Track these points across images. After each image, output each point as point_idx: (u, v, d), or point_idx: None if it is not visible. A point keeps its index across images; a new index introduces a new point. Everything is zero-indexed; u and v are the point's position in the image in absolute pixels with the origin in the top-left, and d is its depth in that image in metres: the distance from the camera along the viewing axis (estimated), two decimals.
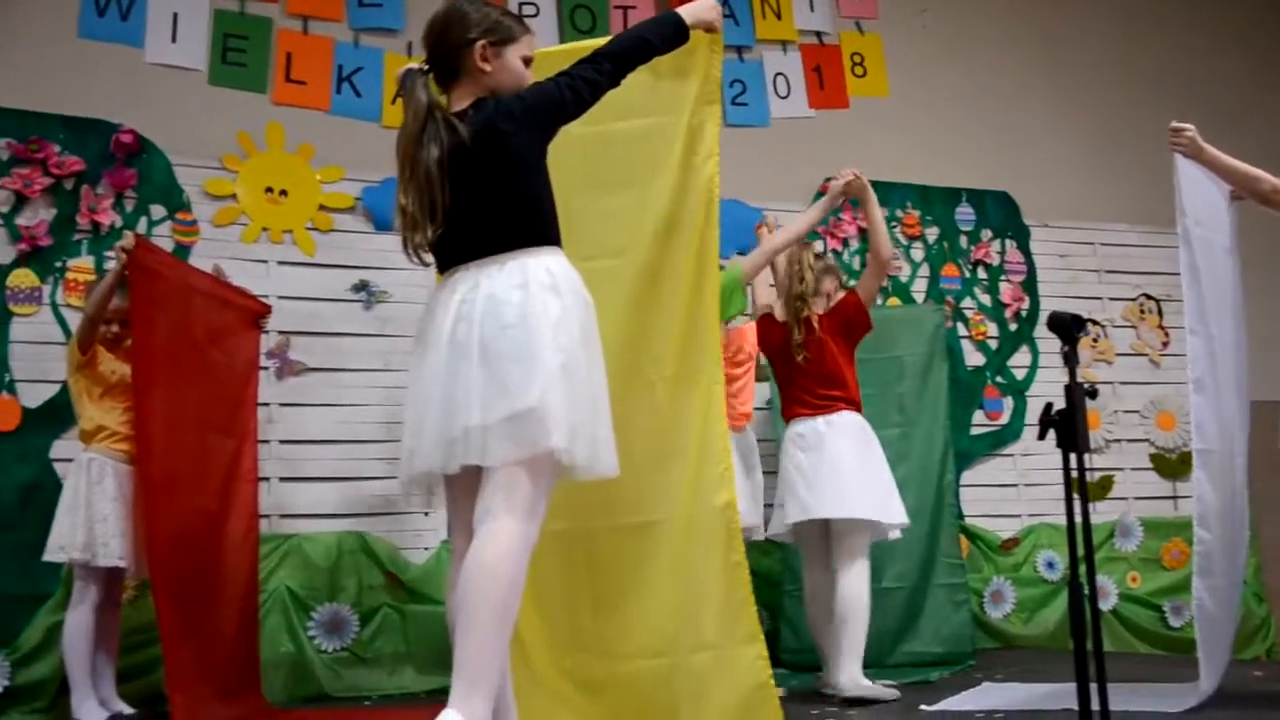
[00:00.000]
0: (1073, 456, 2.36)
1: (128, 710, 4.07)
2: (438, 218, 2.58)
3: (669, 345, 3.22)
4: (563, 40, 5.73)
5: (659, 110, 3.28)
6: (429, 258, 2.66)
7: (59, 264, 4.71)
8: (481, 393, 2.45)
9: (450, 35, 2.69)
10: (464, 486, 2.56)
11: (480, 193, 2.59)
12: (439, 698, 2.44)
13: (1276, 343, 5.90)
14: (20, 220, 4.68)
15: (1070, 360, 2.44)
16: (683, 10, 2.98)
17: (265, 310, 4.67)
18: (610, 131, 3.24)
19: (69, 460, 4.24)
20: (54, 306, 4.66)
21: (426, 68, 2.71)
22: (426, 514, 5.03)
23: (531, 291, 2.52)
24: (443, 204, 2.57)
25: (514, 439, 2.43)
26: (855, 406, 4.20)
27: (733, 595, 3.09)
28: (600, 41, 2.86)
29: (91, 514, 3.96)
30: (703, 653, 3.08)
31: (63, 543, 3.97)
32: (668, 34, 2.92)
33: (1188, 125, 3.71)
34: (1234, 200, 3.88)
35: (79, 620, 3.98)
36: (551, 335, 2.48)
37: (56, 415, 4.48)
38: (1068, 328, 2.48)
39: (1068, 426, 2.34)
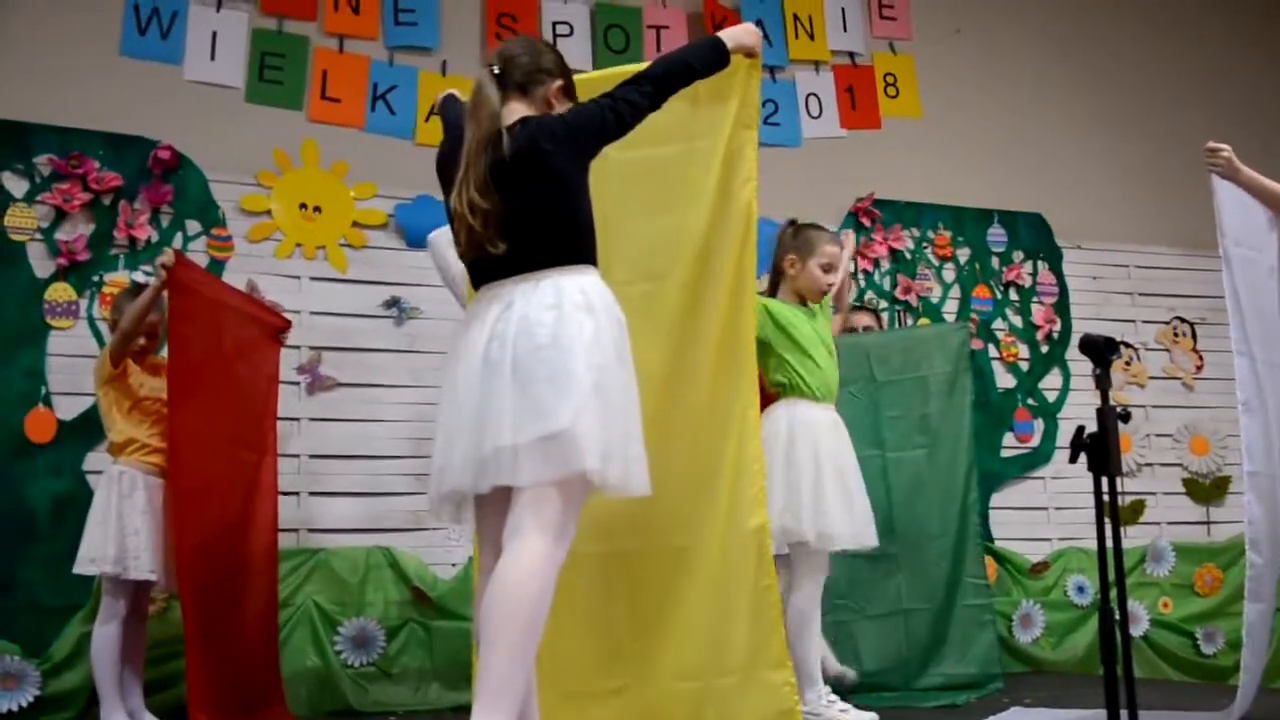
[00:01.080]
0: (1104, 480, 2.35)
1: None
2: (490, 224, 2.58)
3: (706, 369, 3.22)
4: (596, 59, 5.77)
5: (698, 135, 3.29)
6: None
7: (96, 279, 4.77)
8: (514, 413, 2.45)
9: (540, 60, 2.77)
10: (494, 505, 2.56)
11: (518, 209, 2.60)
12: (465, 714, 2.44)
13: None
14: (59, 235, 4.74)
15: (1102, 383, 2.43)
16: (723, 34, 3.03)
17: (286, 325, 4.70)
18: (650, 156, 3.25)
19: (102, 473, 4.28)
20: (90, 321, 4.71)
21: (498, 71, 2.73)
22: (454, 530, 5.04)
23: (565, 312, 2.52)
24: (496, 213, 2.58)
25: (546, 460, 2.43)
26: None
27: (762, 619, 3.09)
28: (639, 66, 2.89)
29: (123, 527, 3.99)
30: (731, 676, 3.07)
31: (94, 555, 3.99)
32: (709, 58, 2.95)
33: (1224, 145, 3.69)
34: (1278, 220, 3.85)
35: (107, 634, 4.00)
36: (584, 355, 2.48)
37: (90, 428, 4.52)
38: (1100, 350, 2.46)
39: (1099, 449, 2.33)
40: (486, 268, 2.65)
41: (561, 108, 2.77)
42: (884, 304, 5.95)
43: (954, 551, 5.05)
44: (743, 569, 3.11)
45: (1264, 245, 3.79)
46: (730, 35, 3.04)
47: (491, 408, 2.48)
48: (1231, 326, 3.64)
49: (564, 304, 2.53)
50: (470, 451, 2.49)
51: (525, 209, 2.60)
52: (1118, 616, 2.35)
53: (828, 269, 3.93)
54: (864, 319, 5.20)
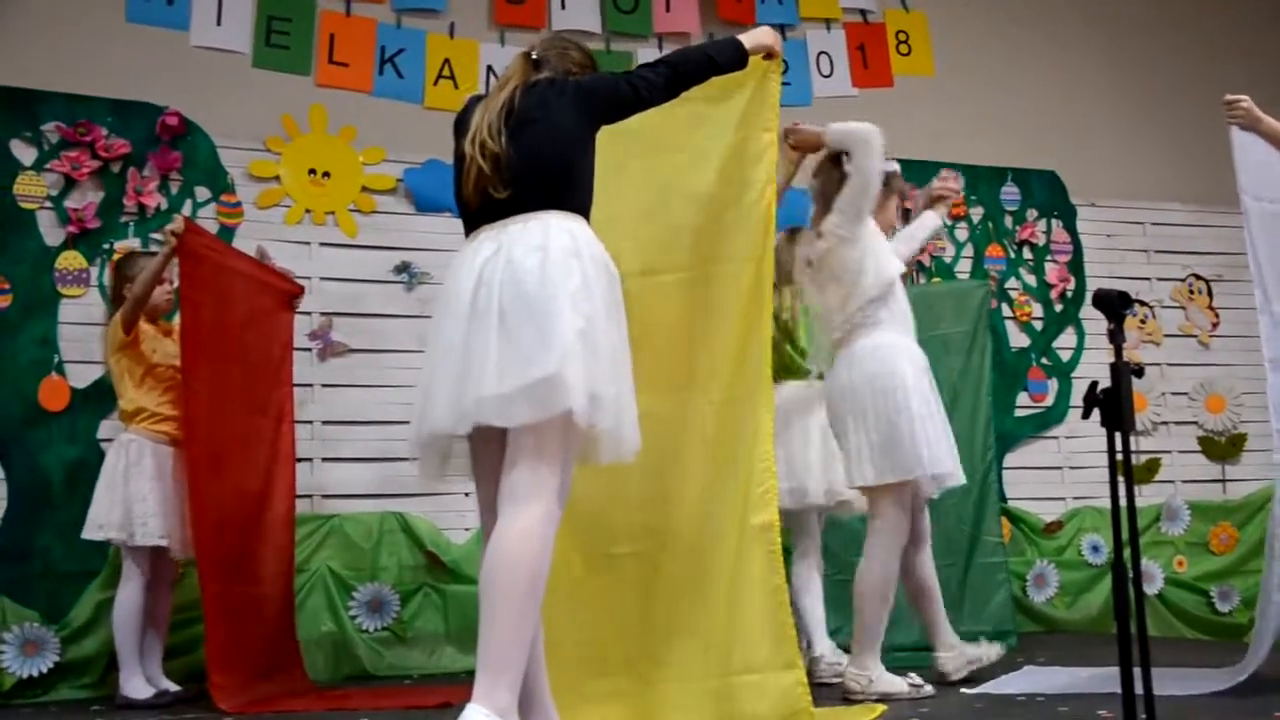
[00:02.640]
0: (1118, 437, 2.32)
1: (173, 687, 4.13)
2: (497, 168, 2.61)
3: (723, 370, 3.21)
4: (605, 19, 5.72)
5: (719, 136, 3.27)
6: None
7: (106, 246, 4.77)
8: (499, 361, 2.45)
9: (572, 55, 2.85)
10: (489, 465, 2.56)
11: (519, 155, 2.61)
12: None
13: None
14: (69, 203, 4.74)
15: (1116, 338, 2.39)
16: (743, 36, 3.06)
17: (299, 291, 4.70)
18: (669, 159, 3.28)
19: (114, 440, 4.30)
20: (101, 288, 4.71)
21: (535, 57, 2.81)
22: (467, 494, 5.05)
23: (551, 255, 2.51)
24: (505, 156, 2.61)
25: (531, 403, 2.42)
26: None
27: (774, 619, 3.08)
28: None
29: (129, 493, 4.02)
30: (742, 676, 3.07)
31: (100, 521, 4.04)
32: (728, 55, 2.99)
33: (1242, 96, 3.63)
34: None
35: (128, 598, 4.05)
36: (570, 301, 2.47)
37: (104, 395, 4.54)
38: (1113, 305, 2.42)
39: (1113, 405, 2.30)
40: (484, 213, 2.64)
41: None
42: None
43: (974, 510, 5.05)
44: (752, 568, 3.11)
45: None
46: (750, 36, 3.07)
47: (476, 355, 2.47)
48: (1255, 284, 3.58)
49: (550, 246, 2.52)
50: (452, 397, 2.48)
51: (525, 155, 2.61)
52: (1131, 574, 2.34)
53: None
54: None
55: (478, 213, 2.66)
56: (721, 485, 3.17)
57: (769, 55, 3.14)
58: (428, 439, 2.59)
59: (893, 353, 3.75)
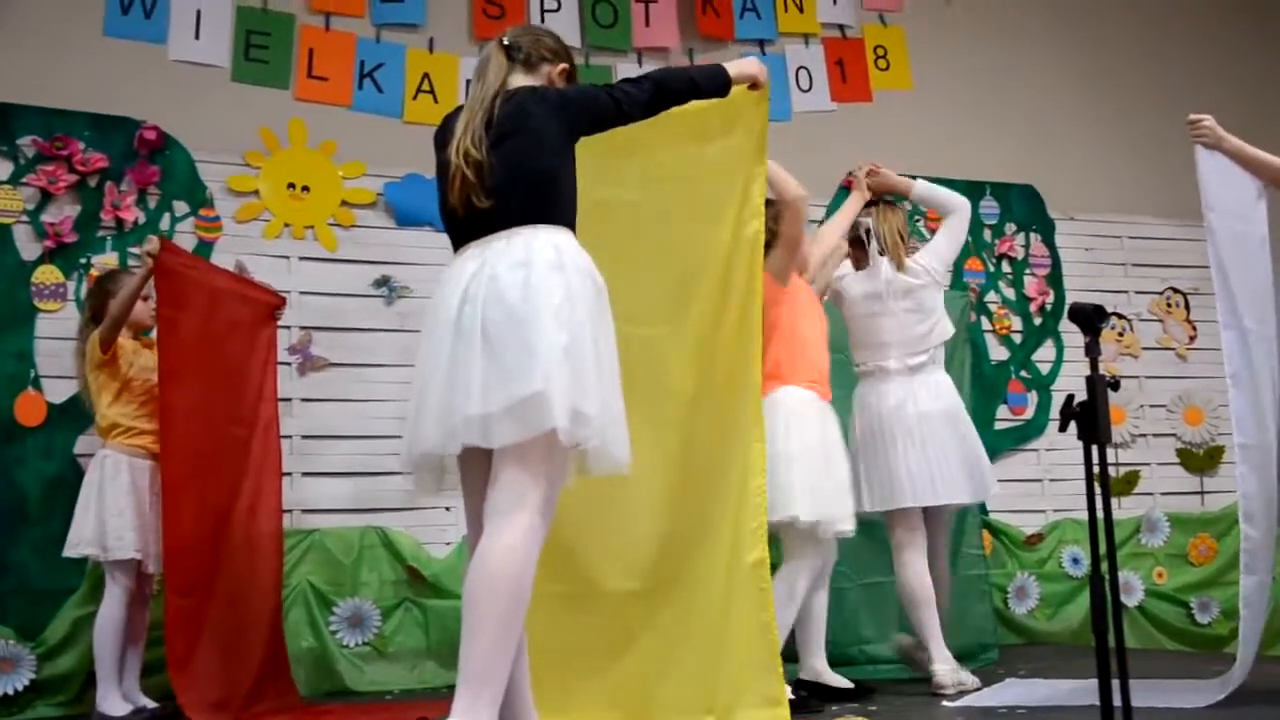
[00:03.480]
0: (1095, 449, 2.34)
1: (150, 704, 4.09)
2: (480, 175, 2.60)
3: (712, 406, 3.22)
4: (584, 34, 5.73)
5: (706, 172, 3.27)
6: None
7: (84, 260, 4.74)
8: (483, 380, 2.44)
9: (545, 43, 2.85)
10: (477, 479, 2.56)
11: (501, 166, 2.60)
12: None
13: None
14: (45, 217, 4.71)
15: (1092, 351, 2.41)
16: (729, 64, 3.07)
17: (280, 303, 4.69)
18: (655, 193, 3.27)
19: (93, 455, 4.27)
20: (78, 303, 4.67)
21: (507, 43, 2.79)
22: (448, 509, 5.04)
23: (536, 270, 2.50)
24: (487, 165, 2.61)
25: (516, 422, 2.42)
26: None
27: (760, 656, 3.09)
28: None
29: (104, 508, 4.00)
30: (727, 713, 3.07)
31: (76, 538, 4.03)
32: (711, 78, 2.99)
33: (1205, 116, 3.68)
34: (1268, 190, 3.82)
35: (110, 615, 4.02)
36: (555, 318, 2.46)
37: (80, 411, 4.49)
38: (1089, 318, 2.44)
39: (1089, 418, 2.31)
40: (469, 226, 2.63)
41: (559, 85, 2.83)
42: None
43: (956, 522, 5.05)
44: (742, 604, 3.12)
45: (1253, 216, 3.75)
46: (735, 65, 3.08)
47: (461, 374, 2.47)
48: (1218, 299, 3.64)
49: (534, 261, 2.52)
50: (440, 416, 2.49)
51: (507, 166, 2.60)
52: (1108, 584, 2.35)
53: None
54: None
55: (463, 225, 2.65)
56: (713, 523, 3.18)
57: (754, 85, 3.14)
58: (419, 459, 2.59)
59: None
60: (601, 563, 3.21)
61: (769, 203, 3.70)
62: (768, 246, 3.71)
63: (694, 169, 3.26)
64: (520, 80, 2.77)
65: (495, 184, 2.59)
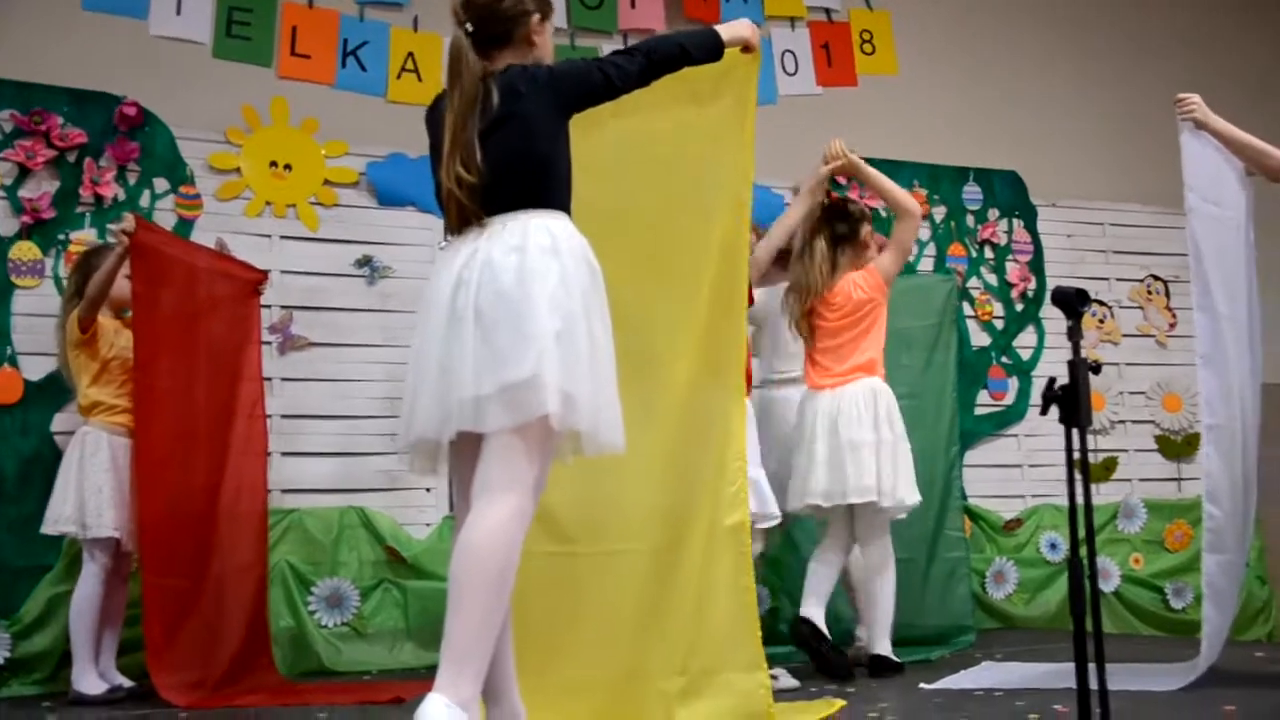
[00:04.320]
0: (1075, 434, 2.34)
1: (126, 683, 4.08)
2: (476, 198, 2.55)
3: (693, 371, 3.20)
4: (571, 15, 5.70)
5: (703, 139, 3.22)
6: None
7: (61, 237, 4.69)
8: (476, 363, 2.43)
9: (506, 2, 2.69)
10: (468, 458, 2.55)
11: (490, 154, 2.56)
12: None
13: None
14: (23, 193, 4.66)
15: (1074, 335, 2.41)
16: (720, 27, 2.97)
17: (262, 277, 4.66)
18: (649, 157, 3.22)
19: (70, 433, 4.25)
20: (56, 279, 4.64)
21: (472, 29, 2.67)
22: (428, 490, 5.04)
23: (529, 254, 2.49)
24: (483, 184, 2.55)
25: (508, 407, 2.42)
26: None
27: (739, 620, 3.09)
28: None
29: (84, 486, 3.99)
30: (706, 676, 3.07)
31: (55, 516, 4.01)
32: (704, 45, 2.89)
33: (1193, 95, 3.69)
34: (1249, 175, 3.84)
35: (86, 593, 4.01)
36: (547, 300, 2.45)
37: (58, 388, 4.47)
38: (1072, 302, 2.44)
39: (1070, 402, 2.32)
40: (459, 213, 2.60)
41: (543, 40, 2.73)
42: None
43: (938, 505, 5.07)
44: (721, 568, 3.12)
45: (1233, 202, 3.77)
46: (727, 28, 2.97)
47: (454, 358, 2.46)
48: (1193, 281, 3.68)
49: (528, 246, 2.50)
50: (435, 401, 2.48)
51: (502, 152, 2.57)
52: (1087, 569, 2.36)
53: None
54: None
55: (451, 214, 2.62)
56: (689, 484, 3.17)
57: (746, 48, 3.06)
58: (415, 442, 2.58)
59: None
60: (582, 525, 3.18)
61: (853, 215, 4.29)
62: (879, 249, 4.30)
63: (691, 139, 3.22)
64: (501, 60, 2.68)
65: (488, 170, 2.55)
